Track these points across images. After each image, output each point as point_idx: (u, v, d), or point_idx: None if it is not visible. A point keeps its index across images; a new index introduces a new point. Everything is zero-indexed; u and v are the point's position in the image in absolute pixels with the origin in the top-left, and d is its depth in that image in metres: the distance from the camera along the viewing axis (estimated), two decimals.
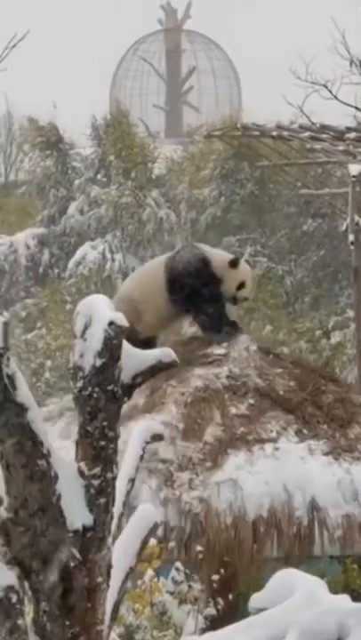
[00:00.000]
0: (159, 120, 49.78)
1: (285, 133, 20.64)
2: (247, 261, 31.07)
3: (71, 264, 32.60)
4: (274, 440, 10.42)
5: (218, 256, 11.88)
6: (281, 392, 10.98)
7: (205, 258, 11.59)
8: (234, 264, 11.58)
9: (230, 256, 12.03)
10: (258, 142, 24.01)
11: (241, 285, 11.53)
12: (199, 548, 9.49)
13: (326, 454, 10.37)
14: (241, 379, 11.00)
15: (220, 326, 11.50)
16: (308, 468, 10.21)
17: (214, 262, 11.55)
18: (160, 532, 7.63)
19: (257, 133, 22.01)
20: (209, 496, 9.92)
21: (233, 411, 10.71)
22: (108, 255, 32.48)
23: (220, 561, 9.57)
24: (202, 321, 11.46)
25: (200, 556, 9.46)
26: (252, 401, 10.80)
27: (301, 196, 29.88)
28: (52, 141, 35.27)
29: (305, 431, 10.59)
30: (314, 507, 10.05)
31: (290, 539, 9.92)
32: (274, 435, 10.47)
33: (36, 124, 35.44)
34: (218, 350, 11.26)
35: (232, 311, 12.62)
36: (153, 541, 7.46)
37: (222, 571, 9.40)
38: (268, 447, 10.34)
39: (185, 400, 10.63)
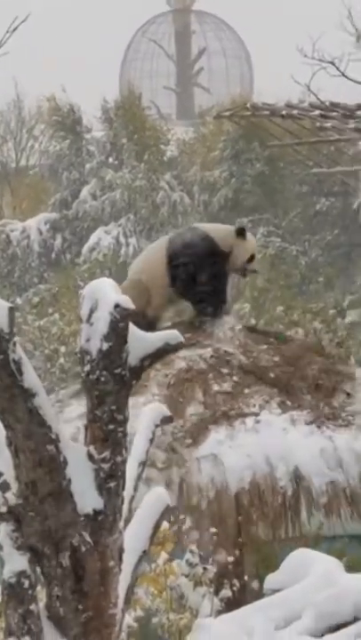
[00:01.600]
0: (170, 102, 49.73)
1: (295, 112, 20.57)
2: (260, 242, 31.47)
3: (85, 249, 32.58)
4: (256, 414, 10.39)
5: (221, 230, 11.61)
6: (265, 367, 10.94)
7: (207, 236, 11.30)
8: (242, 234, 11.31)
9: (233, 227, 11.73)
10: (268, 122, 23.94)
11: (251, 258, 11.31)
12: (181, 515, 9.44)
13: (309, 423, 10.34)
14: (225, 357, 10.96)
15: (218, 310, 11.38)
16: (290, 439, 10.17)
17: (218, 238, 11.27)
18: None
19: (267, 113, 21.92)
20: (188, 472, 9.91)
21: (216, 388, 10.66)
22: (123, 240, 32.45)
23: (234, 541, 9.59)
24: (201, 308, 11.30)
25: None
26: (235, 378, 10.78)
27: (313, 175, 29.83)
28: (68, 123, 35.23)
29: (288, 402, 10.57)
30: (297, 476, 10.02)
31: (275, 509, 9.91)
32: (256, 409, 10.45)
33: (55, 103, 35.39)
34: (203, 333, 11.16)
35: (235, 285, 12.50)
36: (165, 525, 7.46)
37: (238, 550, 9.43)
38: (250, 421, 10.32)
39: (168, 382, 10.62)
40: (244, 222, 32.26)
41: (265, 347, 11.27)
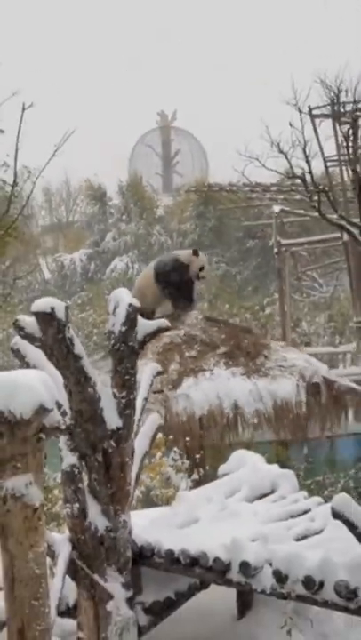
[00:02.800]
0: (158, 182, 49.40)
1: (234, 188, 20.58)
2: (213, 267, 31.73)
3: (108, 271, 32.55)
4: (211, 370, 10.34)
5: (184, 252, 11.36)
6: (216, 342, 10.86)
7: (177, 257, 11.13)
8: (196, 253, 11.07)
9: (192, 249, 11.50)
10: (218, 194, 23.94)
11: (201, 268, 11.02)
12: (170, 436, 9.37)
13: (242, 375, 10.28)
14: (191, 335, 10.88)
15: (187, 306, 11.24)
16: (231, 384, 10.11)
17: (182, 256, 11.08)
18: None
19: (217, 189, 21.98)
20: (170, 404, 9.91)
21: (186, 354, 10.58)
22: (130, 265, 32.44)
23: (199, 446, 9.56)
24: (176, 302, 11.14)
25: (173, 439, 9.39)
26: (198, 348, 10.69)
27: (245, 226, 29.82)
28: (97, 195, 35.32)
29: (230, 362, 10.47)
30: (236, 406, 9.98)
31: (222, 426, 9.89)
32: (211, 367, 10.38)
33: (90, 183, 35.54)
34: (177, 322, 11.10)
35: (200, 291, 12.36)
36: (159, 435, 7.44)
37: (201, 452, 9.39)
38: (207, 374, 10.26)
39: (158, 350, 10.55)
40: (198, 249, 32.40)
41: (216, 329, 11.21)
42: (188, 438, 9.46)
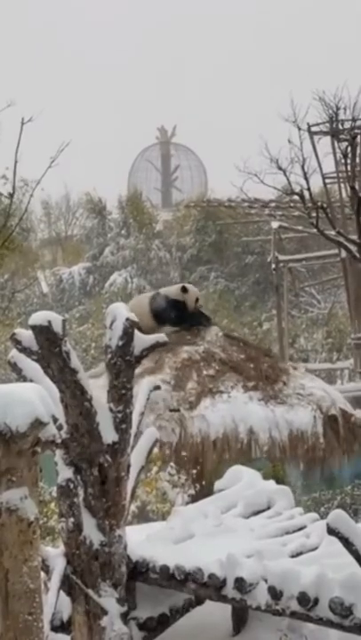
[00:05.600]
0: (158, 197, 49.54)
1: (233, 204, 20.66)
2: (213, 282, 31.79)
3: (107, 285, 32.58)
4: (228, 391, 10.20)
5: (174, 290, 10.98)
6: (235, 361, 10.67)
7: (169, 297, 10.75)
8: (185, 290, 10.79)
9: (180, 286, 11.12)
10: (217, 209, 24.03)
11: (197, 300, 10.85)
12: (184, 453, 9.39)
13: (260, 400, 10.10)
14: (210, 353, 10.72)
15: (206, 324, 11.00)
16: (248, 408, 9.97)
17: (175, 295, 10.75)
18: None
19: (216, 204, 22.06)
20: (187, 425, 9.80)
21: (205, 372, 10.39)
22: (129, 279, 32.46)
23: (195, 462, 9.48)
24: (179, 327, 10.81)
25: (185, 459, 9.34)
26: (217, 367, 10.49)
27: (244, 241, 29.91)
28: (97, 209, 35.43)
29: (248, 385, 10.35)
30: (251, 431, 9.88)
31: (236, 450, 9.77)
32: (228, 388, 10.21)
33: (89, 197, 35.65)
34: (197, 337, 10.98)
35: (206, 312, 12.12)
36: (155, 450, 7.41)
37: (198, 467, 9.32)
38: (225, 396, 10.12)
39: (176, 366, 10.36)
40: (202, 270, 32.51)
41: (235, 348, 10.98)
42: (189, 456, 9.37)
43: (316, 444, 10.04)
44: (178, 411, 9.70)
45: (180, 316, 10.72)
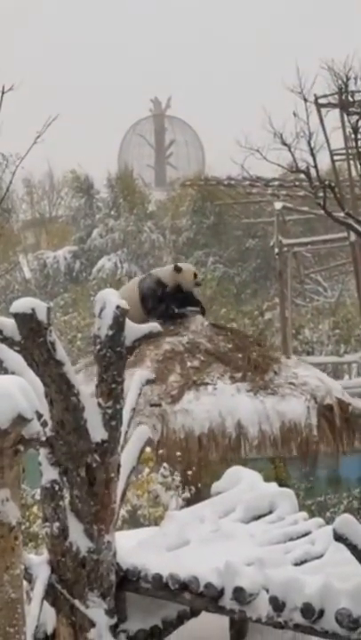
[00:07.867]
0: (151, 175, 49.54)
1: (233, 182, 20.64)
2: (210, 267, 31.79)
3: (94, 271, 32.60)
4: (214, 383, 10.20)
5: (167, 272, 11.05)
6: (222, 352, 10.71)
7: (159, 279, 10.84)
8: (178, 270, 10.92)
9: (172, 266, 11.25)
10: (215, 188, 24.01)
11: (194, 276, 10.97)
12: (161, 451, 9.30)
13: (249, 391, 10.14)
14: (195, 344, 10.74)
15: (198, 311, 11.10)
16: (235, 401, 10.00)
17: (166, 278, 10.82)
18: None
19: (214, 183, 22.04)
20: (169, 420, 9.81)
21: (189, 364, 10.43)
22: (119, 265, 32.49)
23: (183, 461, 9.45)
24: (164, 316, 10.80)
25: (169, 457, 9.32)
26: (202, 358, 10.55)
27: (244, 224, 29.89)
28: (83, 188, 35.44)
29: (235, 376, 10.34)
30: (240, 425, 9.90)
31: (223, 447, 9.79)
32: (215, 380, 10.24)
33: (75, 174, 35.63)
34: (181, 327, 10.99)
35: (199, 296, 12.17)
36: (148, 449, 7.44)
37: (194, 468, 9.31)
38: (210, 388, 10.13)
39: (157, 358, 10.40)
40: (199, 254, 32.49)
41: (222, 338, 11.05)
42: (179, 455, 9.36)
43: (309, 435, 10.08)
44: (159, 405, 9.75)
45: (168, 301, 10.77)
